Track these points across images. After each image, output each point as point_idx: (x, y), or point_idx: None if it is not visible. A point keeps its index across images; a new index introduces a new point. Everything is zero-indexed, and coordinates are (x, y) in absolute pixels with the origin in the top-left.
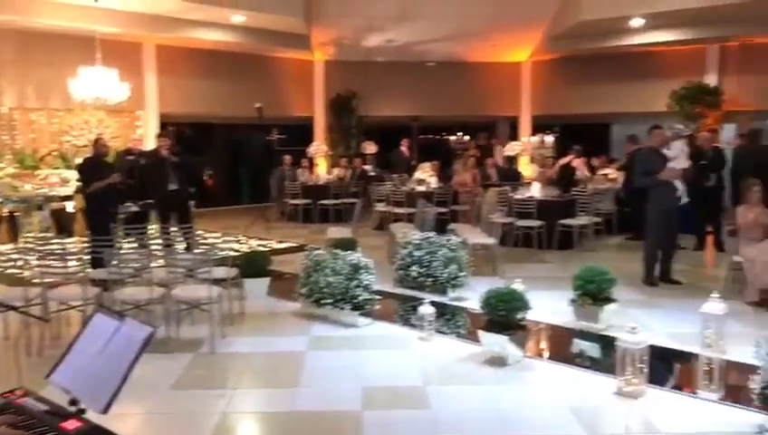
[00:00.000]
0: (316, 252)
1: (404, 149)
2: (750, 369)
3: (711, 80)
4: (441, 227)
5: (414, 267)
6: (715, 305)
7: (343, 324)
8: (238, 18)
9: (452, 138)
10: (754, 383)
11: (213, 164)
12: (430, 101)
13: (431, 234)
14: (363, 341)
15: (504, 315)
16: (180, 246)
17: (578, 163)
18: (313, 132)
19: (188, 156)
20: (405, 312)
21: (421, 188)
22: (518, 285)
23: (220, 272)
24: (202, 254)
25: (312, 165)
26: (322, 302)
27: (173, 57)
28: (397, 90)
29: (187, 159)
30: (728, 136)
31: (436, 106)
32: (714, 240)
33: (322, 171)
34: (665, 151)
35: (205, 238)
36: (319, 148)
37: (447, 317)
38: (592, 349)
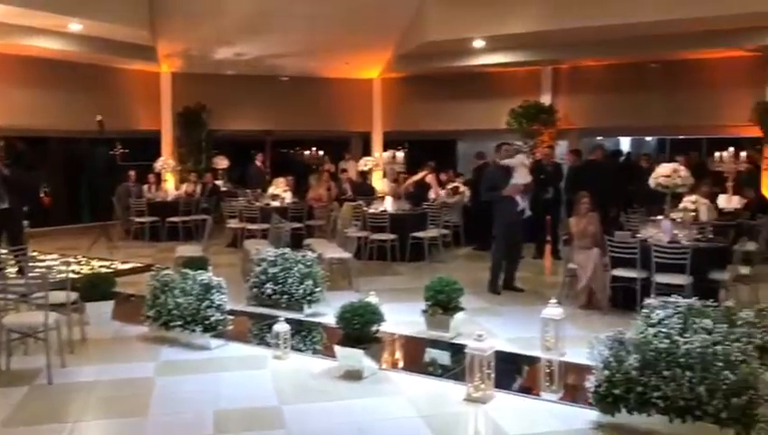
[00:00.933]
0: (164, 272)
1: (259, 163)
2: (586, 369)
3: (546, 99)
4: (296, 242)
5: (269, 285)
6: (553, 310)
7: (194, 347)
8: (76, 26)
9: (306, 152)
10: (589, 382)
11: (50, 180)
12: (284, 115)
13: (286, 250)
14: (215, 363)
15: (359, 329)
16: (12, 270)
17: (431, 178)
18: (161, 146)
19: (21, 171)
20: (259, 331)
21: (275, 204)
22: (372, 298)
23: (58, 296)
24: (37, 277)
25: (159, 180)
26: (171, 324)
27: (4, 66)
28: (249, 104)
29: (19, 175)
30: (562, 152)
31: (289, 121)
32: (551, 249)
33: (171, 187)
34: (508, 163)
35: (40, 260)
36: (166, 162)
37: (304, 334)
38: (443, 357)
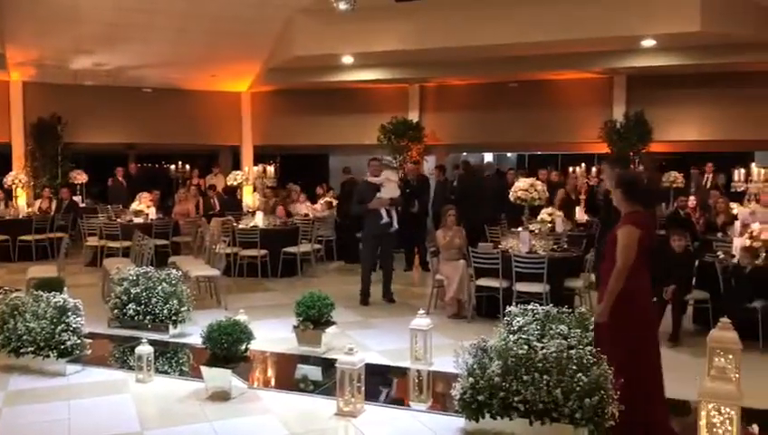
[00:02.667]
0: (14, 295)
1: (120, 178)
2: (453, 377)
3: (414, 116)
4: (161, 260)
5: (131, 305)
6: (421, 321)
7: (48, 374)
8: None
9: (173, 167)
10: (455, 390)
11: None
12: (148, 128)
13: (149, 268)
14: (71, 390)
15: (226, 348)
16: None
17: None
18: (11, 160)
19: None
20: (121, 354)
21: (139, 220)
22: (242, 316)
23: None
24: None
25: (9, 196)
26: (22, 351)
27: None
28: (110, 116)
29: None
30: (429, 167)
31: (154, 134)
32: (420, 260)
33: (23, 203)
34: (377, 180)
35: None
36: (17, 177)
37: (169, 355)
38: (315, 373)
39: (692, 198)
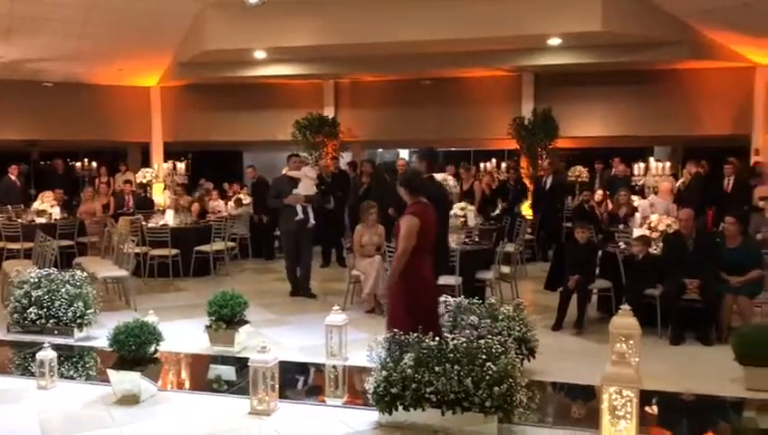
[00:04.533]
0: None
1: (14, 177)
2: (368, 371)
3: (329, 112)
4: (66, 261)
5: (32, 309)
6: (335, 317)
7: None
8: None
9: (78, 164)
10: (368, 384)
11: None
12: (50, 124)
13: (52, 270)
14: None
15: (134, 350)
16: None
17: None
18: None
19: None
20: (22, 360)
21: (42, 220)
22: (151, 317)
23: None
24: None
25: None
26: None
27: None
28: (7, 111)
29: None
30: (344, 163)
31: (57, 130)
32: (336, 256)
33: None
34: (296, 174)
35: None
36: None
37: (74, 360)
38: (228, 373)
39: (599, 192)
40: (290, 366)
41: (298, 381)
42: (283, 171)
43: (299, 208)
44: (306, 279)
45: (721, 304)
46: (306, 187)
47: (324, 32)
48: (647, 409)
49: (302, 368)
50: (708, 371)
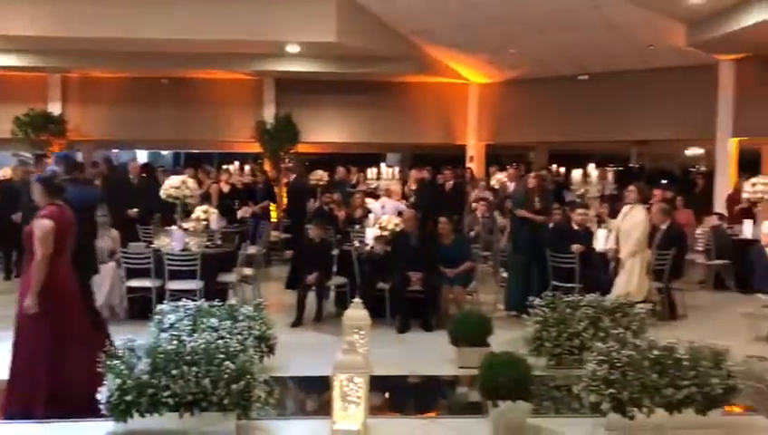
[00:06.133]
0: None
1: None
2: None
3: (55, 108)
4: None
5: None
6: None
7: None
8: None
9: None
10: (101, 394)
11: None
12: None
13: None
14: None
15: None
16: None
17: None
18: None
19: None
20: None
21: None
22: None
23: None
24: None
25: None
26: None
27: None
28: None
29: None
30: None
31: None
32: None
33: None
34: None
35: None
36: None
37: None
38: None
39: (336, 195)
40: None
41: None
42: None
43: None
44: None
45: (439, 294)
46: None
47: (49, 21)
48: (377, 393)
49: None
50: (429, 354)
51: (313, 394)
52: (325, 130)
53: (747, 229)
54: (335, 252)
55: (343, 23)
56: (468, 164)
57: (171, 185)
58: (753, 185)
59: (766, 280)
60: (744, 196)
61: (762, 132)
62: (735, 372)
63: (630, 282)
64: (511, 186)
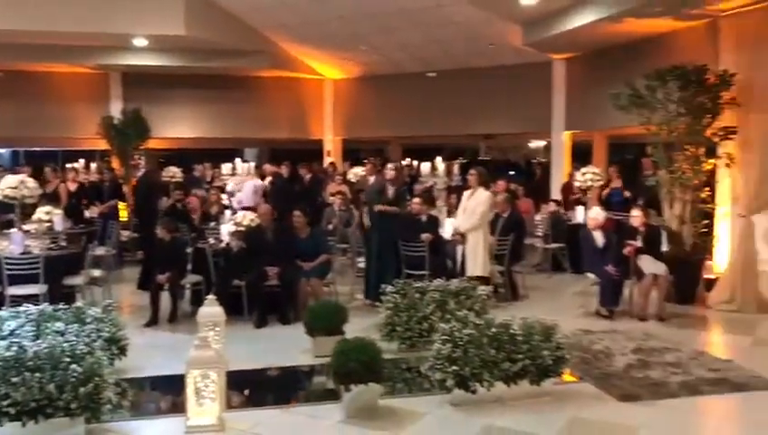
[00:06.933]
0: None
1: None
2: None
3: None
4: None
5: None
6: None
7: None
8: None
9: None
10: None
11: None
12: None
13: None
14: None
15: None
16: None
17: None
18: None
19: None
20: None
21: None
22: None
23: None
24: None
25: None
26: None
27: None
28: None
29: None
30: None
31: None
32: None
33: None
34: None
35: None
36: None
37: None
38: None
39: (199, 191)
40: None
41: None
42: None
43: None
44: None
45: (297, 288)
46: None
47: None
48: (235, 387)
49: None
50: (287, 346)
51: (169, 394)
52: (177, 126)
53: (579, 215)
54: (189, 250)
55: (192, 15)
56: (327, 158)
57: (8, 185)
58: (584, 174)
59: (593, 261)
60: (576, 184)
61: (589, 126)
62: (564, 344)
63: (477, 263)
64: (371, 179)
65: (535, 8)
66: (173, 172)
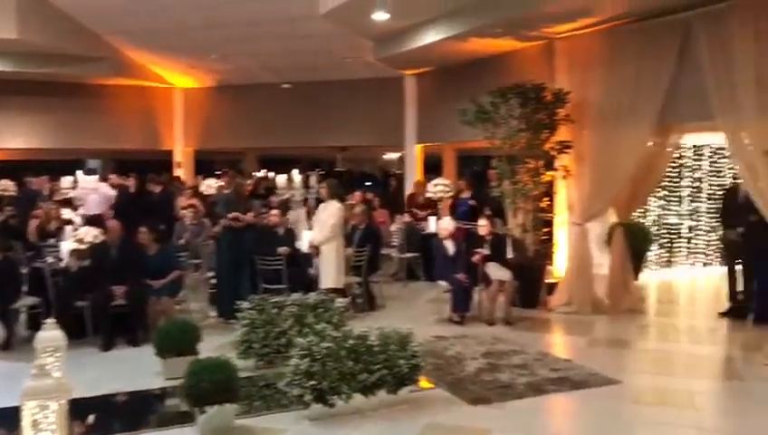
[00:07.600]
0: None
1: None
2: None
3: None
4: None
5: None
6: None
7: None
8: None
9: None
10: None
11: None
12: None
13: None
14: None
15: None
16: None
17: None
18: None
19: None
20: None
21: None
22: None
23: None
24: None
25: None
26: None
27: None
28: None
29: None
30: None
31: None
32: None
33: None
34: None
35: None
36: None
37: None
38: None
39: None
40: None
41: None
42: None
43: None
44: None
45: (146, 307)
46: None
47: None
48: (79, 417)
49: None
50: (137, 369)
51: (2, 428)
52: (11, 136)
53: (431, 225)
54: (25, 270)
55: (25, 18)
56: (177, 170)
57: None
58: (435, 185)
59: (444, 269)
60: (428, 195)
61: (440, 139)
62: (419, 351)
63: (329, 276)
64: (227, 191)
65: (387, 25)
66: (5, 186)
